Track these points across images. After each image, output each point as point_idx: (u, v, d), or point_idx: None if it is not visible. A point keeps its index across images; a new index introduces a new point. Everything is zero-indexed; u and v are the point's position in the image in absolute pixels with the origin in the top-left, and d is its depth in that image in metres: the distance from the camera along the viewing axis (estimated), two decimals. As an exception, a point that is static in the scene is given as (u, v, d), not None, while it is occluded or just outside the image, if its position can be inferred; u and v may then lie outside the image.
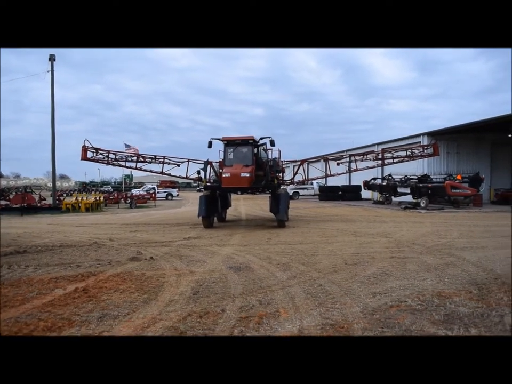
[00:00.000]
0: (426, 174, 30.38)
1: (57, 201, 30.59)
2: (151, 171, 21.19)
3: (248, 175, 16.54)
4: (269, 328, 4.90)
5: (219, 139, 17.91)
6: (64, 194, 41.49)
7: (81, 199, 29.06)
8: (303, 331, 4.77)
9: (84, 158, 19.40)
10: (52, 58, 27.80)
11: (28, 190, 30.34)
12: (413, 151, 23.19)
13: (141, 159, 20.33)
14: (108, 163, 20.12)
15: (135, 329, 4.86)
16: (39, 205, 28.38)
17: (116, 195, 39.58)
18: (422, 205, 26.25)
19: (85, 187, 76.44)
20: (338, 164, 23.00)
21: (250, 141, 17.62)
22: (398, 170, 30.46)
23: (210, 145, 17.71)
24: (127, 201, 35.83)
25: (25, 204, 26.67)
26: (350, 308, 5.68)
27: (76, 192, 58.05)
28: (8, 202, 28.83)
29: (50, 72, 27.59)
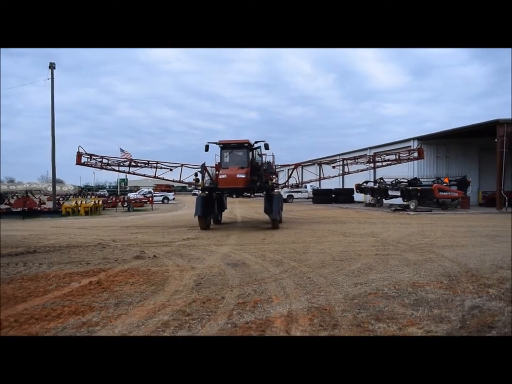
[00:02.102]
0: (416, 178, 31.43)
1: (57, 205, 31.26)
2: (144, 175, 21.77)
3: (243, 176, 17.43)
4: (263, 310, 5.74)
5: (216, 143, 18.68)
6: (61, 199, 42.07)
7: (81, 203, 29.78)
8: (292, 312, 5.61)
9: (78, 163, 20.15)
10: (52, 67, 28.61)
11: (28, 194, 31.02)
12: (401, 155, 24.21)
13: (133, 163, 20.91)
14: (101, 168, 20.85)
15: (148, 312, 5.68)
16: (39, 208, 29.09)
17: (114, 199, 40.28)
18: (412, 207, 27.19)
19: (81, 191, 77.13)
20: (334, 167, 23.95)
21: (246, 144, 18.49)
22: (390, 174, 31.47)
23: (207, 148, 18.42)
24: (125, 205, 36.56)
25: (26, 208, 27.37)
26: (334, 295, 6.52)
27: (72, 196, 58.77)
28: (8, 206, 29.50)
29: (50, 79, 28.35)
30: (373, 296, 6.47)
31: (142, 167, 20.92)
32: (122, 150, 37.25)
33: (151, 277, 8.00)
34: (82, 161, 20.18)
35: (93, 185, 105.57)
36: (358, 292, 6.71)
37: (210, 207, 18.49)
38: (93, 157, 20.39)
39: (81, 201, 31.59)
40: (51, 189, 35.34)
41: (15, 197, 31.43)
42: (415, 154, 24.20)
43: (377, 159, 24.33)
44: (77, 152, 19.92)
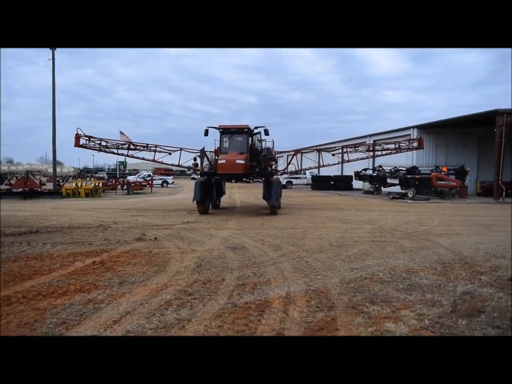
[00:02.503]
0: (414, 166, 31.57)
1: (57, 187, 31.40)
2: (143, 159, 21.60)
3: (243, 162, 17.33)
4: (262, 292, 5.95)
5: (215, 127, 18.54)
6: (60, 180, 42.22)
7: (81, 185, 29.94)
8: (290, 294, 5.83)
9: (77, 145, 20.02)
10: (52, 48, 28.44)
11: (29, 175, 31.17)
12: (401, 144, 24.30)
13: (132, 146, 20.84)
14: (100, 150, 20.69)
15: (151, 291, 5.90)
16: (40, 189, 29.25)
17: (113, 181, 40.41)
18: (410, 195, 27.39)
19: (80, 173, 77.21)
20: (333, 155, 23.99)
21: (245, 130, 18.36)
22: (389, 162, 31.56)
23: (206, 133, 18.29)
24: (124, 188, 36.72)
25: (27, 189, 27.52)
26: (330, 279, 6.73)
27: (71, 178, 58.87)
28: (9, 187, 29.66)
29: (51, 60, 28.28)
30: (368, 280, 6.68)
31: (141, 150, 20.80)
32: (122, 133, 37.28)
33: (153, 258, 8.21)
34: (81, 143, 20.06)
35: (92, 167, 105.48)
36: (354, 276, 6.92)
37: (209, 192, 18.43)
38: (91, 139, 20.31)
39: (82, 183, 31.72)
40: (51, 170, 35.42)
41: (14, 178, 31.48)
42: (415, 144, 24.28)
43: (376, 147, 24.39)
44: (76, 134, 19.79)
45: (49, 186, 33.53)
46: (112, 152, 21.22)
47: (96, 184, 31.59)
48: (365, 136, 42.59)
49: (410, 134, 34.03)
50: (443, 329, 4.58)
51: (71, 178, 59.58)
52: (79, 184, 30.48)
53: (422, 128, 34.75)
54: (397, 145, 24.01)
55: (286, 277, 6.88)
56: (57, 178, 39.54)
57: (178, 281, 6.51)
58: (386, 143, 25.03)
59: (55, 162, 33.04)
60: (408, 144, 24.37)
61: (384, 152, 24.10)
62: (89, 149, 20.90)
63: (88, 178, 55.20)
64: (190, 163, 19.92)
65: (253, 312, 5.07)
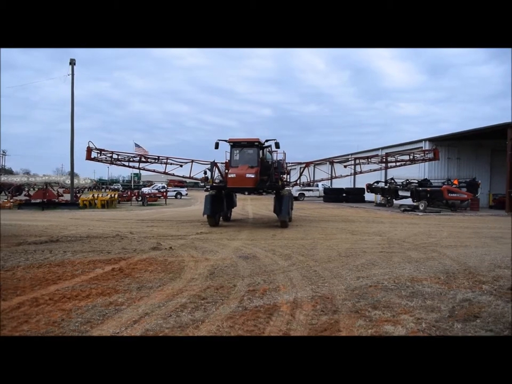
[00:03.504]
0: (426, 179, 31.68)
1: (74, 198, 32.22)
2: (154, 171, 21.64)
3: (253, 176, 17.23)
4: (271, 297, 6.34)
5: (225, 140, 18.56)
6: (77, 191, 43.17)
7: (97, 196, 30.70)
8: (297, 299, 6.20)
9: (88, 158, 20.22)
10: (72, 63, 29.53)
11: (48, 187, 32.10)
12: (415, 155, 24.45)
13: (144, 159, 21.03)
14: (111, 163, 20.84)
15: (167, 295, 6.32)
16: (57, 200, 30.07)
17: (129, 193, 41.22)
18: (421, 207, 27.54)
19: (96, 185, 78.62)
20: (345, 167, 24.21)
21: (256, 143, 18.33)
22: (401, 174, 31.76)
23: (217, 146, 18.29)
24: (139, 199, 37.44)
25: (45, 200, 28.34)
26: (336, 286, 7.08)
27: (86, 189, 60.08)
28: (27, 198, 30.56)
29: (70, 75, 29.25)
30: (372, 288, 7.01)
31: (152, 163, 20.92)
32: (137, 145, 38.00)
33: (168, 266, 8.64)
34: (92, 156, 20.23)
35: (106, 179, 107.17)
36: (359, 284, 7.26)
37: (219, 205, 18.35)
38: (102, 152, 20.46)
39: (98, 194, 32.53)
40: (68, 182, 36.30)
41: (31, 189, 32.47)
42: (431, 155, 24.26)
43: (391, 159, 24.40)
44: (87, 147, 20.01)
45: (66, 197, 34.41)
46: (123, 165, 21.27)
47: (112, 196, 32.35)
48: (377, 149, 42.77)
49: (422, 147, 34.19)
50: (438, 332, 4.90)
51: (87, 189, 60.82)
52: (96, 196, 31.26)
53: (434, 140, 34.92)
54: (411, 157, 24.06)
55: (295, 284, 7.25)
56: (75, 189, 40.51)
57: (192, 286, 6.93)
58: (401, 154, 25.12)
59: (73, 174, 33.88)
60: (423, 155, 24.44)
61: (398, 163, 24.15)
62: (101, 162, 21.07)
63: (103, 190, 56.28)
64: (201, 175, 19.92)
65: (262, 315, 5.45)
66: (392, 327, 5.01)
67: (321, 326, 5.06)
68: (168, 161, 20.49)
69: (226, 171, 18.47)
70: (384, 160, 24.20)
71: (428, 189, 28.39)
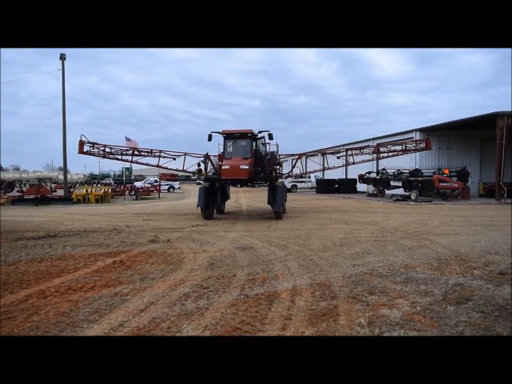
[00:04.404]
0: (417, 168, 32.09)
1: (67, 193, 32.19)
2: (147, 164, 21.42)
3: (247, 167, 17.30)
4: (270, 285, 6.55)
5: (219, 132, 18.59)
6: (71, 186, 43.05)
7: (91, 191, 30.71)
8: (296, 287, 6.42)
9: (81, 152, 20.03)
10: (62, 58, 29.33)
11: (41, 183, 32.03)
12: (407, 145, 24.71)
13: (137, 152, 20.87)
14: (104, 156, 20.73)
15: (170, 286, 6.51)
16: (51, 196, 30.05)
17: (122, 187, 41.21)
18: (412, 197, 27.91)
19: (88, 180, 78.43)
20: (338, 158, 24.38)
21: (249, 134, 18.34)
22: (392, 165, 32.13)
23: (210, 138, 18.33)
24: (132, 193, 37.47)
25: (39, 195, 28.31)
26: (333, 274, 7.32)
27: (79, 184, 59.96)
28: (20, 194, 30.49)
29: (61, 70, 29.08)
30: (368, 275, 7.26)
31: (145, 156, 20.85)
32: (128, 139, 37.94)
33: (168, 258, 8.82)
34: (85, 150, 20.08)
35: (97, 173, 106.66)
36: (355, 272, 7.50)
37: (213, 197, 18.49)
38: (95, 145, 20.38)
39: (91, 189, 32.53)
40: (61, 177, 36.23)
41: (23, 185, 32.39)
42: (422, 145, 24.48)
43: (383, 149, 24.58)
44: (79, 141, 19.75)
45: (59, 193, 34.36)
46: (116, 159, 21.21)
47: (106, 190, 32.36)
48: (368, 140, 43.05)
49: (413, 137, 34.53)
50: (432, 314, 5.15)
51: (78, 184, 60.68)
52: (89, 190, 31.26)
53: (425, 131, 35.32)
54: (403, 147, 24.32)
55: (293, 272, 7.47)
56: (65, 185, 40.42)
57: (194, 277, 7.12)
58: (393, 145, 25.37)
59: (66, 169, 33.82)
60: (415, 145, 24.72)
61: (390, 154, 24.33)
62: (93, 155, 20.95)
63: (95, 185, 56.17)
64: (194, 168, 19.94)
65: (263, 302, 5.67)
66: (389, 311, 5.24)
67: (320, 311, 5.29)
68: (161, 154, 20.47)
69: (220, 163, 18.52)
70: (376, 150, 24.43)
71: (419, 178, 28.78)
